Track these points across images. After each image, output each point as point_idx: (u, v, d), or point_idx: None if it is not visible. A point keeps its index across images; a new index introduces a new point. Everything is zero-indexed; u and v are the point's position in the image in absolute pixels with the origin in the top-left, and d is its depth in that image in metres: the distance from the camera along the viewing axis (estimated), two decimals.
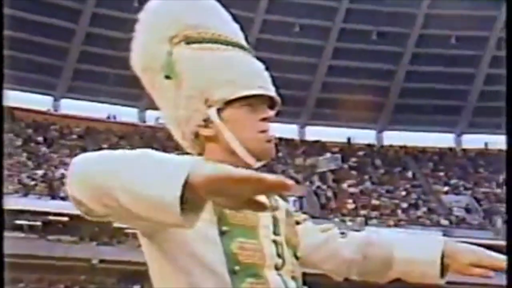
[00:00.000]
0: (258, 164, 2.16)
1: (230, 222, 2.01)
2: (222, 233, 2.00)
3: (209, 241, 1.99)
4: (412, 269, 2.35)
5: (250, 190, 1.56)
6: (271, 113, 2.16)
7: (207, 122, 2.11)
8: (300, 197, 43.08)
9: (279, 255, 2.07)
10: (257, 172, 1.56)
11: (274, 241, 2.08)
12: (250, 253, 2.02)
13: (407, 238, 2.42)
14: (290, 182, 1.56)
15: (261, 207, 1.61)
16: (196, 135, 2.14)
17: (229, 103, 2.11)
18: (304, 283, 2.15)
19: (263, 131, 2.12)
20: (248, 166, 2.12)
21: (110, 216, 1.82)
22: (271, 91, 2.18)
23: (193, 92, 2.11)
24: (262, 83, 2.17)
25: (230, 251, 1.99)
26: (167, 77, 2.12)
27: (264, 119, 2.13)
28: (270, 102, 2.18)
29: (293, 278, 2.10)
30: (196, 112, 2.11)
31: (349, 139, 48.32)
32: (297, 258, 2.16)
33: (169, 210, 1.61)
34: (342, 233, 2.39)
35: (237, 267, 1.98)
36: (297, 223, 2.23)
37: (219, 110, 2.11)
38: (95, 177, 1.74)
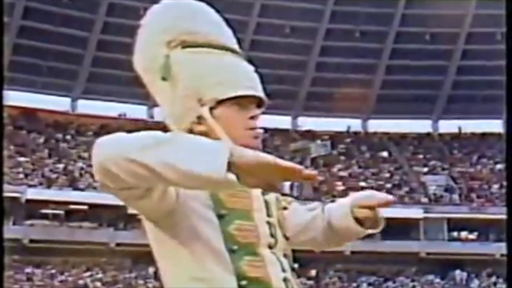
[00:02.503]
0: None
1: (226, 206, 2.02)
2: (220, 216, 2.00)
3: (209, 221, 1.99)
4: (340, 226, 2.30)
5: (280, 176, 1.68)
6: (259, 111, 2.15)
7: (200, 119, 2.10)
8: (293, 182, 43.08)
9: (272, 235, 2.07)
10: (292, 163, 1.66)
11: (268, 222, 2.08)
12: (246, 234, 2.02)
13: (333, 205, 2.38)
14: (312, 173, 1.69)
15: (275, 189, 1.72)
16: (190, 131, 2.12)
17: (220, 102, 2.10)
18: (294, 261, 2.15)
19: (252, 128, 2.11)
20: None
21: (135, 186, 1.83)
22: (259, 92, 2.17)
23: (187, 92, 2.10)
24: (251, 84, 2.16)
25: (227, 232, 1.99)
26: (164, 78, 2.11)
27: (252, 117, 2.12)
28: (258, 101, 2.17)
29: (285, 255, 2.10)
30: (190, 110, 2.10)
31: (348, 127, 48.34)
32: (287, 238, 2.16)
33: (219, 185, 1.70)
34: (323, 210, 2.37)
35: (235, 247, 1.99)
36: (284, 208, 2.22)
37: (211, 109, 2.10)
38: (130, 151, 1.76)
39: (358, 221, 2.26)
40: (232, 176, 1.68)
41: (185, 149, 1.73)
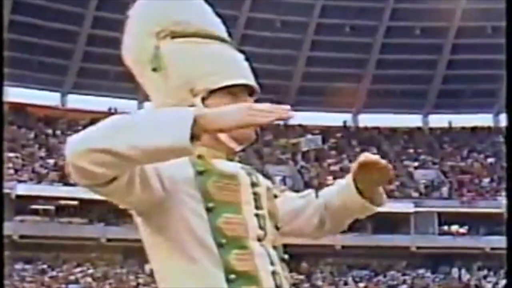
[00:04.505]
0: (239, 148, 2.15)
1: (214, 199, 2.01)
2: (208, 209, 2.00)
3: (198, 215, 1.99)
4: (342, 199, 2.31)
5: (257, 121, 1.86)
6: (251, 100, 2.15)
7: None
8: (285, 176, 43.11)
9: (261, 227, 2.07)
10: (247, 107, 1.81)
11: (256, 215, 2.07)
12: (235, 227, 2.01)
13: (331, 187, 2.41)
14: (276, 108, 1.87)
15: (250, 138, 2.02)
16: None
17: (212, 92, 2.10)
18: (285, 252, 2.14)
19: None
20: (230, 150, 2.12)
21: (112, 177, 1.84)
22: (251, 80, 2.17)
23: (179, 83, 2.10)
24: (243, 73, 2.16)
25: (215, 226, 1.99)
26: (154, 69, 2.10)
27: None
28: (250, 90, 2.16)
29: (274, 247, 2.09)
30: (183, 101, 2.09)
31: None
32: (277, 228, 2.15)
33: (184, 151, 1.79)
34: (317, 196, 2.37)
35: (223, 240, 1.98)
36: (275, 196, 2.21)
37: (203, 99, 2.09)
38: (97, 143, 1.79)
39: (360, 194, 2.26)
40: (193, 146, 1.77)
41: (146, 127, 1.78)
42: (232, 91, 2.11)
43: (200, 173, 2.02)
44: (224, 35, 2.20)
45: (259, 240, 2.05)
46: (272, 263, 2.05)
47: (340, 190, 2.32)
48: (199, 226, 1.98)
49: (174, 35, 2.12)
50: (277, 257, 2.09)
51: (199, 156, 2.05)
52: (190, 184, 2.00)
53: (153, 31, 2.12)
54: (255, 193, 2.10)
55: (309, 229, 2.33)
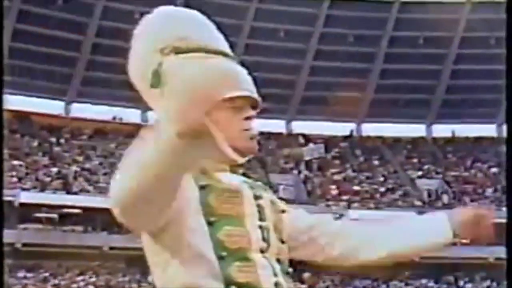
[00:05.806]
0: (243, 160, 2.15)
1: (216, 213, 2.01)
2: (209, 223, 2.00)
3: (198, 229, 1.99)
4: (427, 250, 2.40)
5: None
6: (254, 112, 2.16)
7: None
8: (288, 185, 43.09)
9: (264, 239, 2.07)
10: None
11: (260, 227, 2.07)
12: (236, 239, 2.01)
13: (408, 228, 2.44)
14: None
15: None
16: None
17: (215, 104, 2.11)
18: (291, 265, 2.14)
19: (247, 129, 2.12)
20: (234, 162, 2.12)
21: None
22: (254, 93, 2.18)
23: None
24: (245, 86, 2.16)
25: (216, 239, 1.99)
26: (152, 86, 2.11)
27: (247, 118, 2.13)
28: (252, 102, 2.17)
29: (278, 260, 2.09)
30: None
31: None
32: (283, 242, 2.14)
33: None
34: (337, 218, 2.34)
35: (224, 253, 1.98)
36: (283, 211, 2.20)
37: (206, 112, 2.11)
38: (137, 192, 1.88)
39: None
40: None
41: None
42: (235, 104, 2.12)
43: (202, 187, 2.03)
44: (227, 49, 2.21)
45: (262, 252, 2.05)
46: (275, 275, 2.05)
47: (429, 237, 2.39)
48: (199, 241, 1.99)
49: (177, 51, 2.12)
50: (281, 269, 2.08)
51: (203, 170, 2.06)
52: (193, 198, 2.01)
53: (157, 47, 2.12)
54: (258, 205, 2.11)
55: (309, 251, 2.26)
